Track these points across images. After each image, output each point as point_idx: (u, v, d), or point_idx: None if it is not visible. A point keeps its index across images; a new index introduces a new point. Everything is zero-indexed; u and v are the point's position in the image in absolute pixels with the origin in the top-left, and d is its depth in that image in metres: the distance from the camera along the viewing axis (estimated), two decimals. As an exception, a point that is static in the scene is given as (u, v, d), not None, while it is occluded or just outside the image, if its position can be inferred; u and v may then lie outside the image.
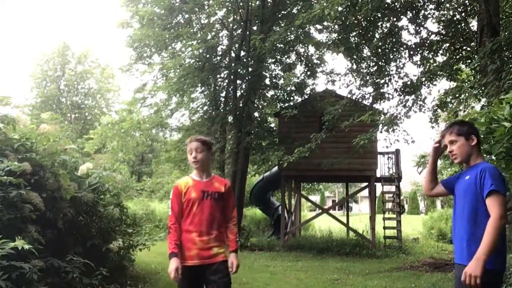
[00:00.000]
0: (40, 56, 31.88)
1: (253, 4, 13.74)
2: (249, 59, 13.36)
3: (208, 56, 13.36)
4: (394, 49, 10.66)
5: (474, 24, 10.22)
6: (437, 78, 10.55)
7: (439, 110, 10.55)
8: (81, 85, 32.90)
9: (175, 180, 20.41)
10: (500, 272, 2.52)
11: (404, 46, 10.67)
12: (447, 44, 10.65)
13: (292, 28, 12.18)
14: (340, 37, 11.32)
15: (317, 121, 12.73)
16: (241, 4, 13.37)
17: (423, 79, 10.04)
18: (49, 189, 4.63)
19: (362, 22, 9.96)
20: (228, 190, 3.33)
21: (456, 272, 2.64)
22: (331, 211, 16.92)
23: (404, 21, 11.08)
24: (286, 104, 14.03)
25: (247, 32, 13.27)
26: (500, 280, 2.55)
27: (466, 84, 9.96)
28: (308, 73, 14.58)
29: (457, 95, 9.05)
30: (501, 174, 2.55)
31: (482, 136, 2.98)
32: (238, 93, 13.96)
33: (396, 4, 10.06)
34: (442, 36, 10.62)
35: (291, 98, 14.45)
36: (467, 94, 9.08)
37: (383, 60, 10.60)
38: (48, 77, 32.14)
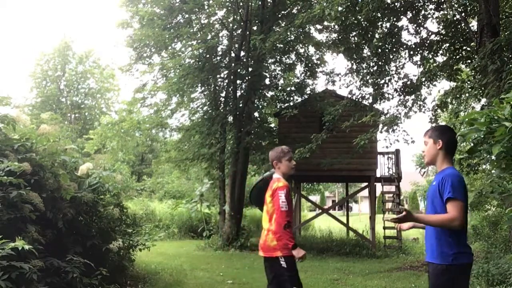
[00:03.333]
0: (40, 56, 31.85)
1: (253, 4, 13.73)
2: (249, 59, 13.34)
3: (208, 56, 13.34)
4: (394, 49, 10.64)
5: (474, 24, 10.21)
6: (437, 78, 10.54)
7: (439, 110, 10.54)
8: (81, 85, 32.89)
9: (175, 180, 20.31)
10: (458, 266, 2.72)
11: (404, 46, 10.65)
12: (447, 44, 10.64)
13: (292, 28, 12.17)
14: (340, 37, 11.31)
15: (317, 121, 12.73)
16: (241, 4, 13.36)
17: (423, 79, 10.03)
18: (49, 189, 4.63)
19: (362, 22, 9.94)
20: None
21: (429, 268, 2.90)
22: (331, 211, 16.91)
23: (404, 21, 11.07)
24: (286, 104, 14.02)
25: (247, 32, 13.26)
26: (461, 273, 2.74)
27: (467, 84, 9.96)
28: (308, 73, 14.57)
29: (457, 96, 9.04)
30: (461, 181, 2.75)
31: (482, 136, 2.98)
32: (238, 93, 13.95)
33: (396, 4, 10.05)
34: (442, 36, 10.60)
35: (291, 98, 14.44)
36: (467, 95, 9.08)
37: (383, 60, 10.58)
38: (48, 77, 32.12)
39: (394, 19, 10.24)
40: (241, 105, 13.33)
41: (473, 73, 9.70)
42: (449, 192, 2.68)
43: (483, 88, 7.69)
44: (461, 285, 2.76)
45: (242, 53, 13.54)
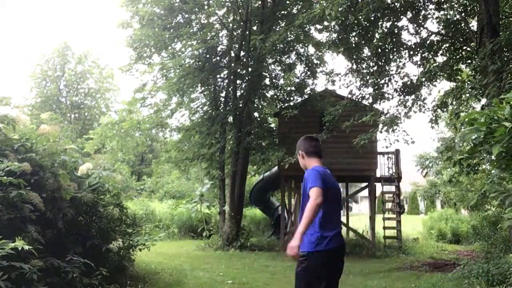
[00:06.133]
0: (40, 56, 31.85)
1: (253, 4, 13.73)
2: (249, 59, 13.34)
3: (208, 56, 13.34)
4: (394, 49, 10.63)
5: (474, 24, 10.21)
6: (437, 79, 10.54)
7: (439, 110, 10.54)
8: (80, 85, 32.87)
9: (175, 180, 20.24)
10: (315, 253, 3.33)
11: (404, 46, 10.65)
12: (447, 44, 10.63)
13: (292, 28, 12.17)
14: (340, 37, 11.30)
15: (317, 121, 12.72)
16: (241, 4, 13.36)
17: (423, 79, 10.03)
18: (49, 189, 4.63)
19: (362, 22, 9.94)
20: None
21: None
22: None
23: (404, 21, 11.06)
24: (286, 104, 14.02)
25: (247, 32, 13.25)
26: (318, 260, 3.36)
27: (467, 84, 9.96)
28: (308, 73, 14.57)
29: (457, 96, 9.03)
30: (316, 172, 3.19)
31: (482, 136, 2.98)
32: (238, 93, 13.94)
33: (396, 4, 10.05)
34: (442, 36, 10.60)
35: (291, 98, 14.44)
36: (467, 95, 9.07)
37: (383, 60, 10.58)
38: (48, 77, 32.09)
39: (394, 19, 10.24)
40: (241, 105, 13.32)
41: (473, 73, 9.70)
42: (311, 182, 3.14)
43: (483, 88, 7.68)
44: None
45: (242, 53, 13.54)
